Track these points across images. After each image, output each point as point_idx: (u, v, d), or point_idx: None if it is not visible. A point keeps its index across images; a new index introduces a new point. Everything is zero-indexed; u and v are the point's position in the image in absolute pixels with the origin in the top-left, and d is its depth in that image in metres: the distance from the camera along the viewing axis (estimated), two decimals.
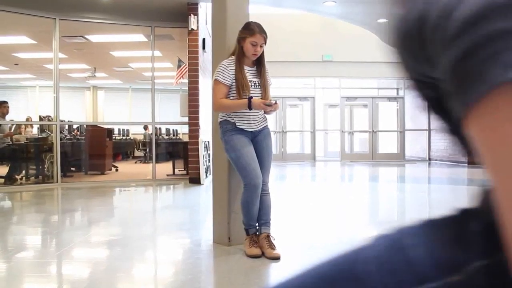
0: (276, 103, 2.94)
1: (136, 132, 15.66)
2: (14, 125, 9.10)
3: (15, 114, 11.03)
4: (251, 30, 3.00)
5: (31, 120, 10.44)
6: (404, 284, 0.45)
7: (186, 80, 8.43)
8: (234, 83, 2.99)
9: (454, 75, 0.37)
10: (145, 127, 14.95)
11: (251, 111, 2.98)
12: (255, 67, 3.12)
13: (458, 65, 0.36)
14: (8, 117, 8.35)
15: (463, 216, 0.50)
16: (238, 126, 3.01)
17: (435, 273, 0.44)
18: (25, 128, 9.62)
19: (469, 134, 0.38)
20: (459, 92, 0.37)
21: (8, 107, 8.01)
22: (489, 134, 0.35)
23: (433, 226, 0.52)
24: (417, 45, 0.42)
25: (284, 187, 7.79)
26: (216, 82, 3.01)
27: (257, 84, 3.07)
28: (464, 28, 0.36)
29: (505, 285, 0.41)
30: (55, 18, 7.83)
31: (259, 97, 3.03)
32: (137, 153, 15.34)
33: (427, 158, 14.54)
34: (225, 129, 3.05)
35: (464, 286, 0.42)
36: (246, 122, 3.02)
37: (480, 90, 0.35)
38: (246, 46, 2.99)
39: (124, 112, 17.50)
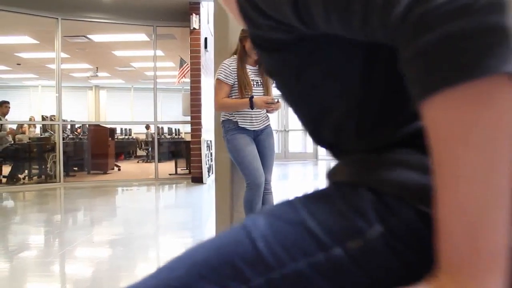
0: (278, 101, 2.94)
1: (139, 132, 15.67)
2: (16, 125, 9.14)
3: (18, 114, 11.04)
4: None
5: (34, 120, 10.46)
6: (309, 253, 0.49)
7: (188, 80, 8.44)
8: (236, 82, 2.99)
9: (428, 53, 0.40)
10: (147, 127, 14.96)
11: (253, 110, 2.98)
12: (257, 66, 3.12)
13: (440, 44, 0.39)
14: (11, 117, 8.38)
15: (344, 189, 0.54)
16: (240, 125, 3.01)
17: (336, 240, 0.49)
18: (28, 128, 9.64)
19: (429, 113, 0.41)
20: (428, 71, 0.40)
21: (8, 107, 8.03)
22: (464, 119, 0.39)
23: (317, 199, 0.57)
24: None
25: (286, 186, 7.79)
26: (218, 82, 3.01)
27: (259, 83, 3.07)
28: (462, 12, 0.38)
29: (402, 248, 0.47)
30: (57, 18, 7.84)
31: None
32: (140, 152, 15.34)
33: None
34: (227, 128, 3.05)
35: (366, 251, 0.48)
36: (248, 121, 3.02)
37: (471, 75, 0.38)
38: (248, 45, 2.99)
39: (127, 111, 17.51)
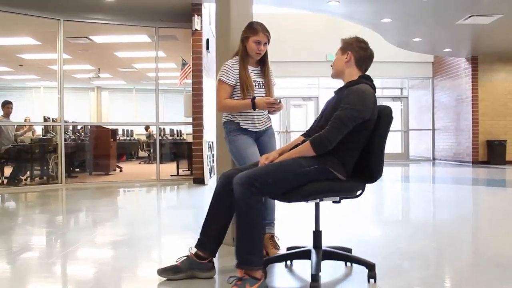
0: (280, 102, 2.93)
1: (140, 133, 15.68)
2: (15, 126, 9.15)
3: (20, 115, 11.03)
4: (254, 29, 3.00)
5: (29, 121, 10.43)
6: (306, 166, 2.33)
7: (190, 81, 8.44)
8: (238, 83, 2.99)
9: (313, 139, 2.44)
10: (146, 128, 14.94)
11: (255, 111, 2.97)
12: (259, 67, 3.12)
13: (314, 140, 2.44)
14: (12, 118, 8.39)
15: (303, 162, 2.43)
16: (242, 126, 3.01)
17: (310, 166, 2.34)
18: (23, 128, 9.65)
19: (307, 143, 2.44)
20: (312, 140, 2.43)
21: (11, 107, 8.06)
22: (306, 150, 2.41)
23: (303, 158, 2.40)
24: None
25: None
26: (220, 82, 3.01)
27: (261, 84, 3.07)
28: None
29: (327, 176, 2.40)
30: (59, 19, 7.86)
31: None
32: (141, 153, 15.35)
33: (431, 158, 14.50)
34: (229, 129, 3.05)
35: (317, 168, 2.35)
36: (250, 122, 3.02)
37: (313, 145, 2.38)
38: (250, 45, 2.99)
39: (129, 112, 17.52)
